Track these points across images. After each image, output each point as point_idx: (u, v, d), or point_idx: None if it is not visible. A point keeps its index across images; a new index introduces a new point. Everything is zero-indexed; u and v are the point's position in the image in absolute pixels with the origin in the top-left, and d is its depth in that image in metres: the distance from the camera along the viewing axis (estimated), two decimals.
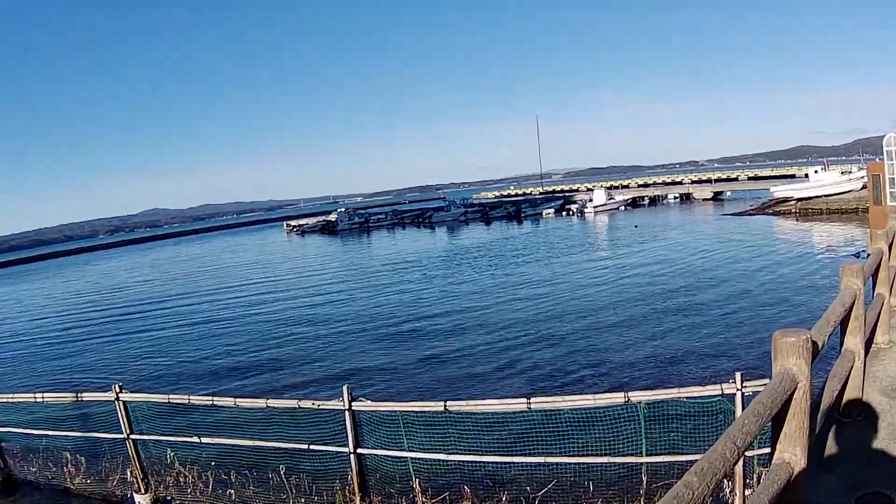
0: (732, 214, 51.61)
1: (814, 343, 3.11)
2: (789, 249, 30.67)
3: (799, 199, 47.56)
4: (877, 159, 26.47)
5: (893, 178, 17.89)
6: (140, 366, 20.67)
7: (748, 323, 17.54)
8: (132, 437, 9.41)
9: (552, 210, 78.26)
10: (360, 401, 7.64)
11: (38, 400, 10.60)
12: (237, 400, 8.33)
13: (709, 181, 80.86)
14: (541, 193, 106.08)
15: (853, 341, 4.80)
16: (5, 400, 11.39)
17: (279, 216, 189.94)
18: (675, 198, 75.65)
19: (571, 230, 56.26)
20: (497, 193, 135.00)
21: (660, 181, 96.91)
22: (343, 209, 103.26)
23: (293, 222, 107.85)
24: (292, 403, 7.97)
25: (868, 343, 5.38)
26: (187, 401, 8.71)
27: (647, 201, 77.71)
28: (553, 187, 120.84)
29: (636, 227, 51.64)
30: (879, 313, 5.92)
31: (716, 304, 20.45)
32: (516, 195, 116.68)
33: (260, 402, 8.14)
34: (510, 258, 38.72)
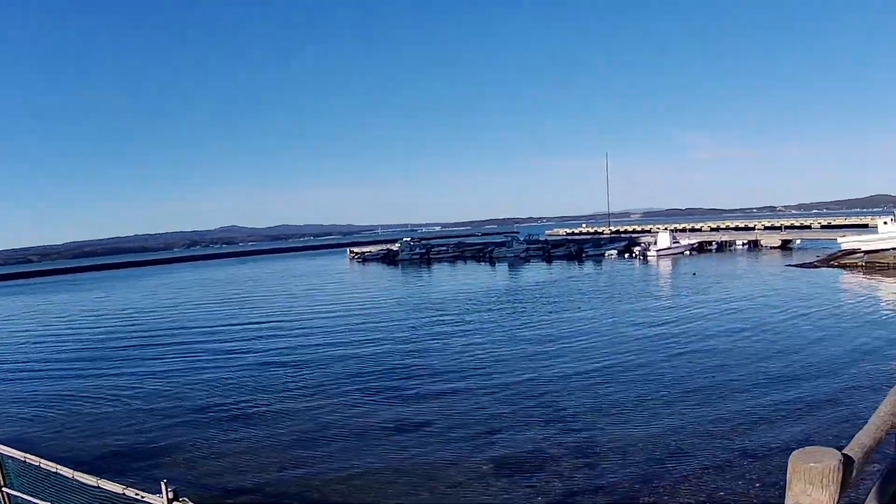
0: (797, 266, 49.33)
1: (847, 462, 2.36)
2: (847, 313, 28.27)
3: (867, 252, 45.28)
4: None
5: None
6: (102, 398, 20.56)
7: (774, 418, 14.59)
8: (4, 489, 9.26)
9: (615, 252, 76.73)
10: (182, 500, 7.09)
11: None
12: (75, 473, 7.91)
13: (778, 228, 77.93)
14: (611, 232, 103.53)
15: None
16: None
17: (352, 241, 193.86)
18: (744, 244, 73.09)
19: (626, 275, 54.72)
20: (569, 231, 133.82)
21: (733, 226, 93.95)
22: (408, 239, 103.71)
23: (357, 249, 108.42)
24: (118, 489, 7.44)
25: None
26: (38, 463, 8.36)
27: (714, 247, 75.36)
28: (625, 227, 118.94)
29: (694, 274, 49.89)
30: None
31: (743, 382, 17.72)
32: (587, 233, 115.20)
33: (91, 480, 7.68)
34: (545, 304, 36.89)
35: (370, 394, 18.86)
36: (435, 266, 79.28)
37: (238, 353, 27.23)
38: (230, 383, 21.37)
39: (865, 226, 60.31)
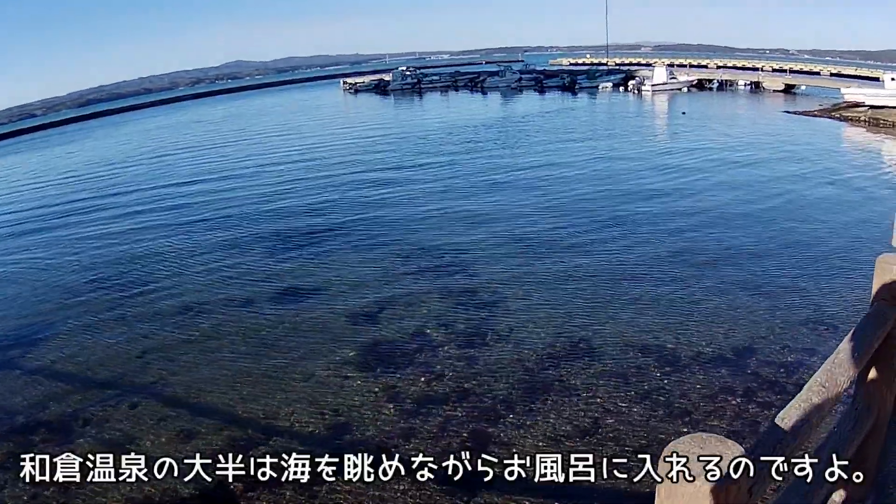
0: (795, 113, 46.40)
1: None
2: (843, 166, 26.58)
3: (871, 106, 42.07)
4: None
5: None
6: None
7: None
8: None
9: (609, 84, 73.04)
10: None
11: None
12: None
13: (785, 72, 72.86)
14: (615, 64, 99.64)
15: None
16: None
17: (357, 71, 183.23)
18: (746, 85, 68.36)
19: (614, 109, 53.72)
20: (573, 61, 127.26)
21: (739, 65, 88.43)
22: (402, 68, 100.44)
23: (350, 80, 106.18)
24: None
25: None
26: None
27: (715, 85, 70.93)
28: (629, 59, 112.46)
29: (684, 113, 48.29)
30: None
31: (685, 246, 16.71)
32: (589, 64, 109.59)
33: None
34: (528, 136, 37.80)
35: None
36: (427, 95, 79.11)
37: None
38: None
39: (877, 79, 55.73)
